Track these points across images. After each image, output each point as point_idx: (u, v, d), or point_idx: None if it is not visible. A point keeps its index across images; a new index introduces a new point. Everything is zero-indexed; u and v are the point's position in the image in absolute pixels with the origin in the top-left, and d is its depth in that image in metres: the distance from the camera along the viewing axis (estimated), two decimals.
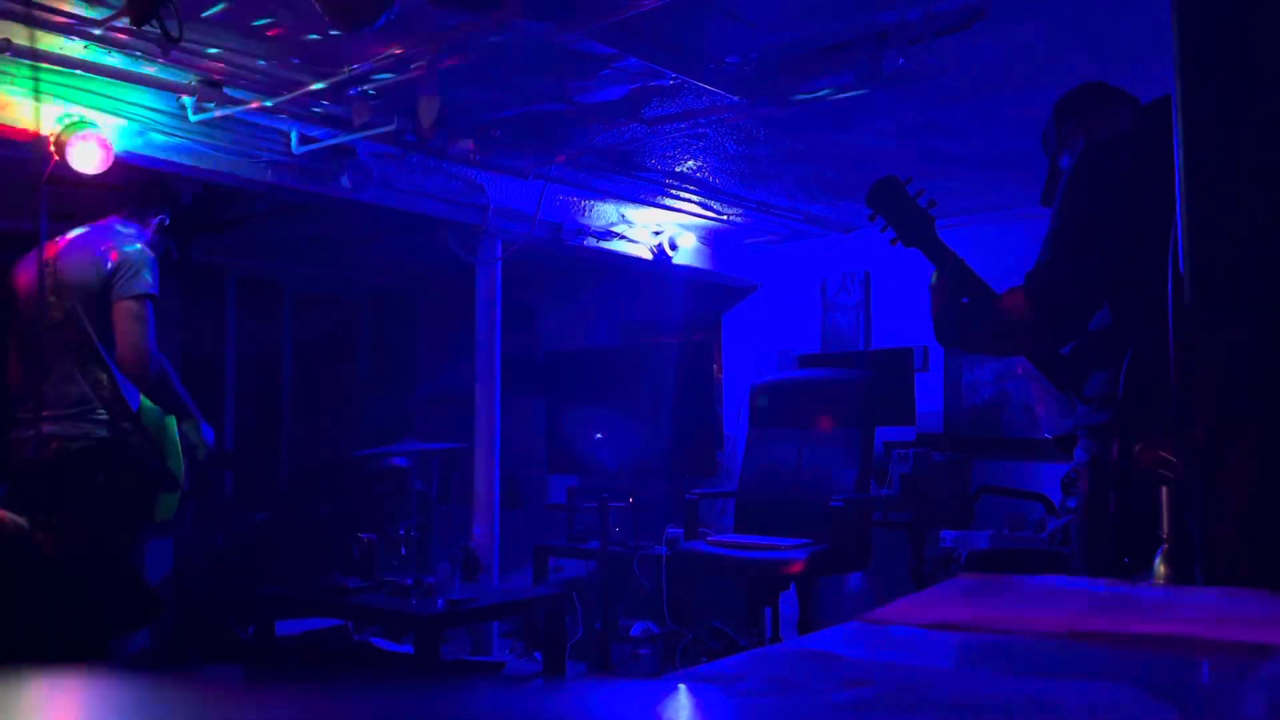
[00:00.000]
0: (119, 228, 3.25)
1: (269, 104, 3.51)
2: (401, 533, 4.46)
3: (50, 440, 3.05)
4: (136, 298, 3.04)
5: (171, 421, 3.20)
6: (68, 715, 0.51)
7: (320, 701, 0.52)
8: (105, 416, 3.06)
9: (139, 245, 3.17)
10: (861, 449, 4.62)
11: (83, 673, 0.54)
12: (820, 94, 3.45)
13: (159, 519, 3.18)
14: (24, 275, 3.24)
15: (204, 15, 2.93)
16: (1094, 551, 1.98)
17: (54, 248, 3.20)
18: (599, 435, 5.67)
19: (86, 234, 3.21)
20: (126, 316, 3.04)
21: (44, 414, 3.08)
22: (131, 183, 3.45)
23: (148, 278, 3.08)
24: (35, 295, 3.16)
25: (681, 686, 0.69)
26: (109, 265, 3.08)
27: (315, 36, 3.12)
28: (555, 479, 6.28)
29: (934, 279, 2.25)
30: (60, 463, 3.04)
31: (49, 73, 3.27)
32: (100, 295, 3.07)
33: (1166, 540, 1.26)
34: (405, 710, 0.52)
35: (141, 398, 3.16)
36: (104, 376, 3.07)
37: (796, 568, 4.26)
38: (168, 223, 3.33)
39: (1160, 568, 1.26)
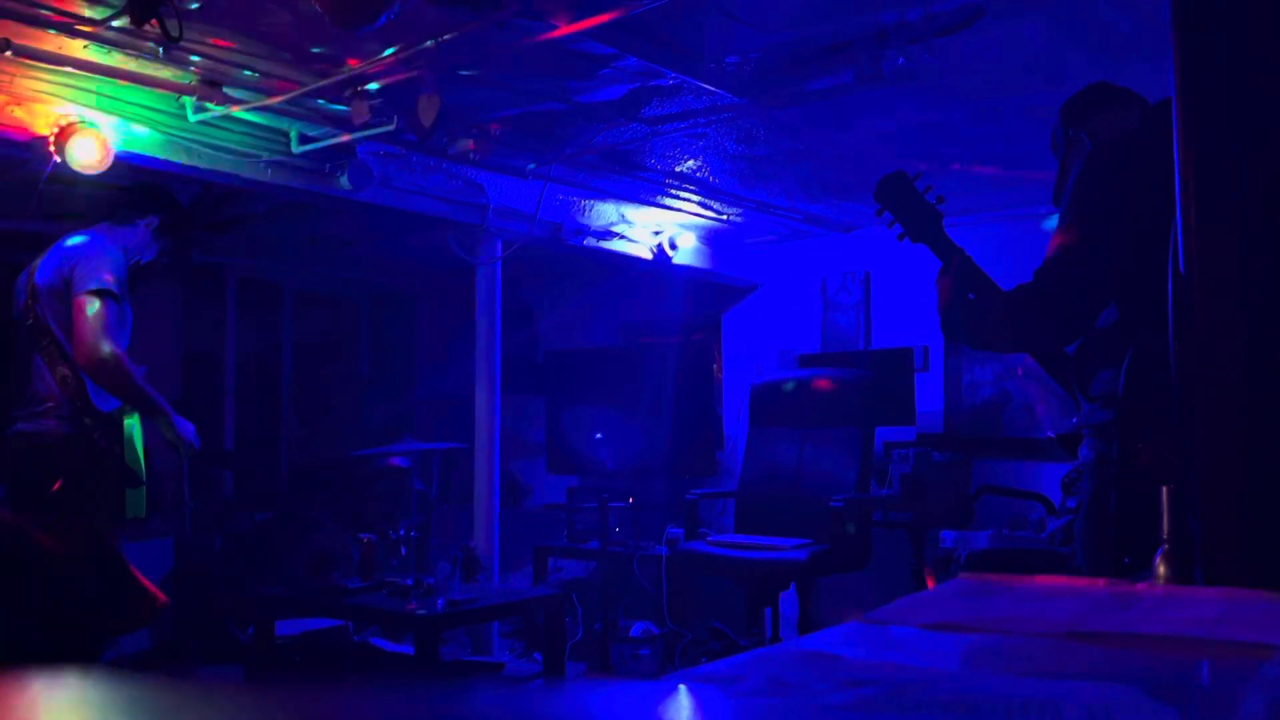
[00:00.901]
0: (102, 230, 3.26)
1: (269, 104, 3.51)
2: (401, 533, 4.45)
3: (23, 438, 3.11)
4: (91, 293, 3.08)
5: (133, 419, 3.22)
6: (67, 715, 0.51)
7: (320, 701, 0.52)
8: (68, 413, 3.10)
9: (99, 243, 3.18)
10: (861, 449, 4.62)
11: (79, 673, 0.54)
12: (820, 94, 3.44)
13: (130, 516, 3.19)
14: (17, 279, 3.28)
15: (204, 15, 2.93)
16: (1095, 551, 1.97)
17: (42, 253, 3.24)
18: (599, 435, 5.68)
19: (64, 237, 3.24)
20: (80, 312, 3.07)
21: (21, 413, 3.14)
22: (131, 185, 3.46)
23: (106, 274, 3.10)
24: (20, 298, 3.21)
25: (681, 686, 0.69)
26: (68, 264, 3.12)
27: (315, 37, 3.12)
28: (555, 479, 6.28)
29: (941, 275, 2.24)
30: (30, 460, 3.08)
31: (49, 73, 3.27)
32: (63, 294, 3.12)
33: (1166, 540, 1.26)
34: (405, 710, 0.52)
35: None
36: (69, 374, 3.11)
37: (796, 568, 4.26)
38: (156, 224, 3.33)
39: (1160, 568, 1.26)
